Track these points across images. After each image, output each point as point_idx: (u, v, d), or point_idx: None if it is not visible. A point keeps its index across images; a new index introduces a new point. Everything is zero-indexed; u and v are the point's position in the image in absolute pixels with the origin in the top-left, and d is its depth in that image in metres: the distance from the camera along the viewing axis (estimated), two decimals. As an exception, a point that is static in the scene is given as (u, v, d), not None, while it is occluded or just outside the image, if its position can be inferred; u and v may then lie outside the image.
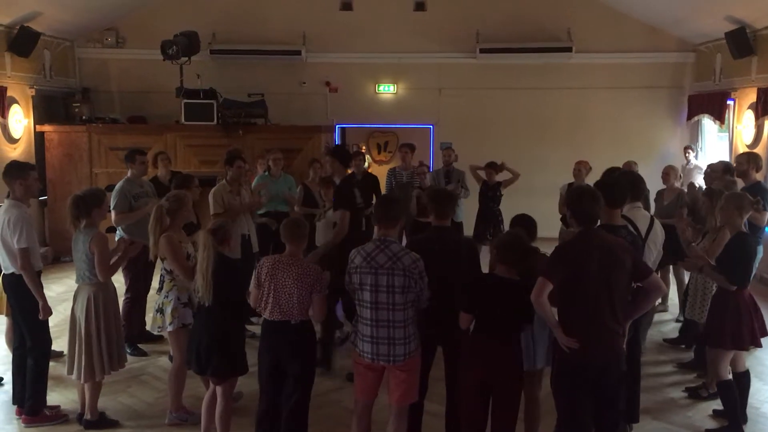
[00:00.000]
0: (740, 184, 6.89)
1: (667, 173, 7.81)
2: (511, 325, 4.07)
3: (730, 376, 5.05)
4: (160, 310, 5.14)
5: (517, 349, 4.13)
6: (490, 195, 9.07)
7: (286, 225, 4.48)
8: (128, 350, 6.57)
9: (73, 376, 5.04)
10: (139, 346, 6.78)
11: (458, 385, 4.26)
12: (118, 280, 5.51)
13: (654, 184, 7.96)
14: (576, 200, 3.98)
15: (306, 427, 4.53)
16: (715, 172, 7.07)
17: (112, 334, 5.07)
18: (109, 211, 6.10)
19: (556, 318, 3.89)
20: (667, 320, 7.83)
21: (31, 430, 5.15)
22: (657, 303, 7.92)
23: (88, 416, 5.11)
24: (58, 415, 5.28)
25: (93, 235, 4.93)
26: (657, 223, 4.95)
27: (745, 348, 5.07)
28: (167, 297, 5.13)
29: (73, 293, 5.17)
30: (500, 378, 4.05)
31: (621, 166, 7.99)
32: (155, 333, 5.47)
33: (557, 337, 3.87)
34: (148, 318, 6.66)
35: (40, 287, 5.13)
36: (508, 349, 4.06)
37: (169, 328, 5.09)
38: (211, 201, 6.88)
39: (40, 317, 5.08)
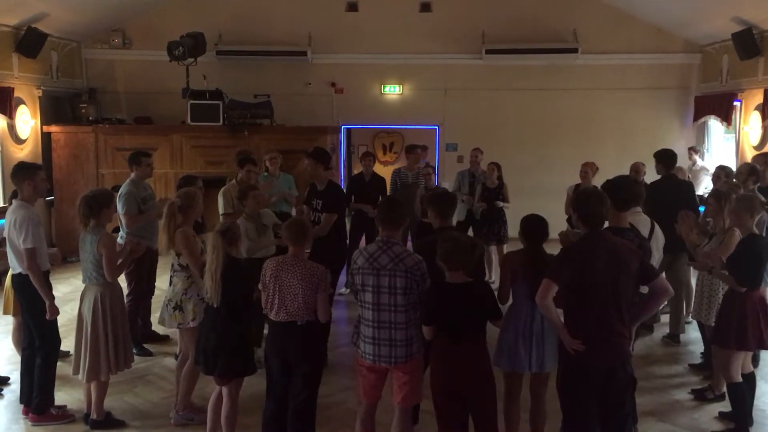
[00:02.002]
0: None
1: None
2: (475, 327, 4.01)
3: (741, 379, 5.03)
4: (179, 308, 5.16)
5: (484, 352, 4.06)
6: (493, 197, 9.06)
7: (288, 226, 4.48)
8: (134, 350, 6.58)
9: (79, 376, 5.07)
10: (145, 346, 6.79)
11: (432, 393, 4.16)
12: (121, 281, 5.52)
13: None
14: (583, 202, 3.96)
15: (314, 426, 4.52)
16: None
17: (119, 334, 5.08)
18: (116, 213, 6.12)
19: (562, 320, 3.89)
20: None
21: (37, 429, 5.17)
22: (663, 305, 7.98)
23: (94, 416, 5.12)
24: (64, 415, 5.30)
25: (101, 235, 4.95)
26: (658, 228, 4.96)
27: (751, 349, 5.05)
28: (186, 294, 5.16)
29: (79, 293, 5.20)
30: (469, 382, 3.99)
31: (630, 166, 8.05)
32: (175, 328, 5.40)
33: (562, 338, 3.86)
34: (153, 318, 6.69)
35: (47, 287, 5.16)
36: (473, 353, 4.00)
37: (192, 324, 5.10)
38: (220, 200, 6.88)
39: (47, 317, 5.10)
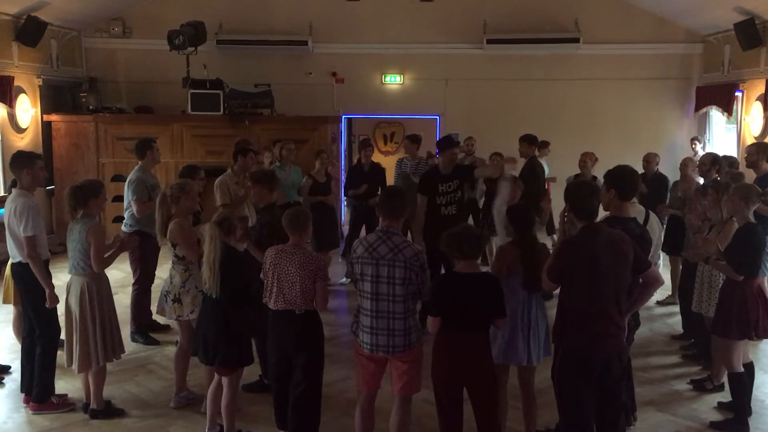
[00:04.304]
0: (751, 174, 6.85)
1: (686, 165, 7.85)
2: (481, 319, 4.00)
3: (742, 368, 5.04)
4: (178, 300, 5.16)
5: (486, 343, 4.06)
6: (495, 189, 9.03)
7: (287, 216, 4.48)
8: (140, 340, 6.63)
9: (73, 367, 5.07)
10: (151, 335, 6.79)
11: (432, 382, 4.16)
12: (126, 270, 5.52)
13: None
14: (574, 196, 3.95)
15: (316, 417, 4.51)
16: (704, 164, 7.04)
17: (107, 323, 5.07)
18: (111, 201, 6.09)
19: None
20: (676, 313, 7.79)
21: (38, 418, 5.18)
22: (667, 296, 8.01)
23: (94, 405, 5.13)
24: (65, 404, 5.31)
25: (90, 225, 4.94)
26: (653, 217, 4.95)
27: (751, 338, 5.06)
28: (184, 286, 5.15)
29: (76, 284, 5.20)
30: (471, 373, 3.99)
31: (642, 158, 8.08)
32: (174, 320, 5.41)
33: None
34: (153, 308, 6.69)
35: (47, 275, 5.17)
36: (477, 345, 4.00)
37: (191, 317, 5.10)
38: (217, 192, 6.86)
39: (47, 305, 5.11)
